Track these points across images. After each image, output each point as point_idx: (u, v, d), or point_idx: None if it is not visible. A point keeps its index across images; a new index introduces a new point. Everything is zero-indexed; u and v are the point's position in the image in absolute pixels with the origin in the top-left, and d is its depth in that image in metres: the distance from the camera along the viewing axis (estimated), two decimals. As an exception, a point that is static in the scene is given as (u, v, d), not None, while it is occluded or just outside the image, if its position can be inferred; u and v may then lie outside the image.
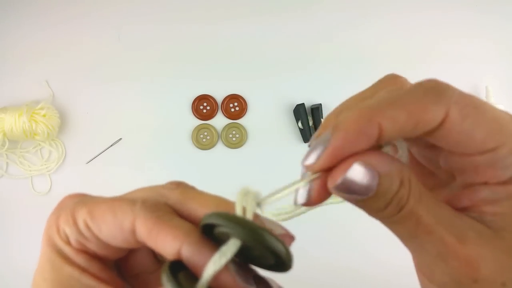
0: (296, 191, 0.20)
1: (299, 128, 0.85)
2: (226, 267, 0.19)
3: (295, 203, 0.19)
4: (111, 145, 0.85)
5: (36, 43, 0.86)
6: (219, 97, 0.86)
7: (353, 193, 0.18)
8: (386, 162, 0.18)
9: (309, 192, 0.19)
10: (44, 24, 0.86)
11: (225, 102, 0.86)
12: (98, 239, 0.22)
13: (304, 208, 0.22)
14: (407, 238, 0.20)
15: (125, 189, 0.24)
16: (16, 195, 0.84)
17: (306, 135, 0.84)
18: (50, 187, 0.84)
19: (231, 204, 0.21)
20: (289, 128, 0.87)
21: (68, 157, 0.85)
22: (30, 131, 0.78)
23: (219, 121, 0.86)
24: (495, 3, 0.91)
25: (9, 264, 0.82)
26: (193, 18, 0.88)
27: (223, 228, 0.19)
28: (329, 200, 0.22)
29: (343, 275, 0.84)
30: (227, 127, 0.86)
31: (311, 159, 0.18)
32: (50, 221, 0.23)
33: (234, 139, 0.86)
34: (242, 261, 0.21)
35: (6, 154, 0.84)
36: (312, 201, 0.19)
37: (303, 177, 0.20)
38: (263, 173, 0.86)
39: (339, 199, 0.20)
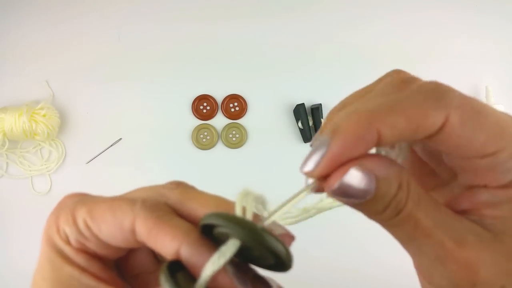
0: (307, 157, 0.19)
1: (299, 128, 0.85)
2: (224, 268, 0.19)
3: (301, 169, 0.19)
4: (111, 145, 0.85)
5: (36, 43, 0.86)
6: (219, 97, 0.86)
7: (350, 197, 0.18)
8: (384, 166, 0.18)
9: (319, 162, 0.18)
10: (44, 24, 0.86)
11: (225, 102, 0.86)
12: (97, 238, 0.22)
13: (312, 211, 0.22)
14: (405, 241, 0.20)
15: (125, 189, 0.24)
16: (16, 195, 0.84)
17: (306, 135, 0.84)
18: (50, 187, 0.84)
19: (231, 204, 0.21)
20: (289, 128, 0.87)
21: (68, 157, 0.85)
22: (30, 131, 0.78)
23: (219, 121, 0.86)
24: (495, 3, 0.91)
25: (9, 264, 0.82)
26: (193, 18, 0.88)
27: (222, 229, 0.19)
28: (332, 203, 0.22)
29: (343, 275, 0.84)
30: (227, 127, 0.86)
31: (309, 166, 0.18)
32: (50, 221, 0.23)
33: (234, 139, 0.86)
34: (242, 261, 0.21)
35: (6, 154, 0.84)
36: (319, 171, 0.18)
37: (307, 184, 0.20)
38: (263, 173, 0.86)
39: (338, 202, 0.20)
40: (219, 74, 0.87)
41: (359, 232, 0.84)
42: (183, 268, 0.19)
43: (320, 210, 0.22)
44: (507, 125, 0.18)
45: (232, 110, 0.86)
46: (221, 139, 0.86)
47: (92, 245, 0.22)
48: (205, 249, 0.19)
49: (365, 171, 0.18)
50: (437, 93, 0.18)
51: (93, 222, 0.21)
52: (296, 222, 0.22)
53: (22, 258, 0.81)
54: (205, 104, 0.86)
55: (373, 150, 0.19)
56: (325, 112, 0.86)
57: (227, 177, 0.85)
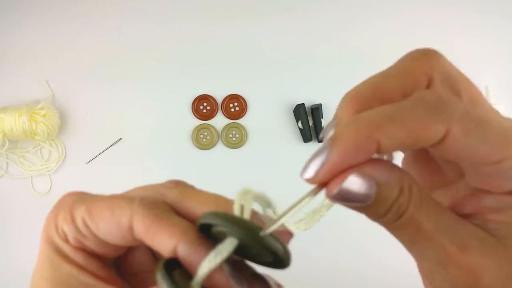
0: (307, 163, 0.19)
1: (299, 128, 0.85)
2: (220, 267, 0.19)
3: (301, 176, 0.19)
4: (111, 145, 0.85)
5: (36, 43, 0.86)
6: (219, 97, 0.86)
7: (351, 202, 0.18)
8: (385, 171, 0.18)
9: (319, 169, 0.18)
10: (44, 24, 0.86)
11: (225, 102, 0.86)
12: (96, 236, 0.22)
13: (323, 210, 0.22)
14: (408, 244, 0.20)
15: (125, 189, 0.24)
16: (16, 195, 0.84)
17: (306, 135, 0.84)
18: (50, 187, 0.84)
19: (229, 203, 0.21)
20: (289, 128, 0.87)
21: (68, 157, 0.85)
22: (30, 131, 0.78)
23: (219, 121, 0.86)
24: (495, 3, 0.91)
25: (9, 264, 0.82)
26: (193, 18, 0.88)
27: (220, 228, 0.19)
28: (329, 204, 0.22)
29: (343, 275, 0.84)
30: (227, 127, 0.86)
31: (309, 173, 0.18)
32: (48, 219, 0.23)
33: (234, 139, 0.86)
34: (240, 258, 0.21)
35: (6, 154, 0.84)
36: (318, 179, 0.18)
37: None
38: (263, 173, 0.86)
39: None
40: (219, 74, 0.87)
41: (359, 232, 0.84)
42: (180, 266, 0.19)
43: (328, 206, 0.22)
44: None
45: (232, 110, 0.86)
46: (221, 139, 0.86)
47: (90, 243, 0.22)
48: (202, 247, 0.19)
49: (365, 177, 0.18)
50: (439, 104, 0.18)
51: (91, 220, 0.21)
52: (310, 226, 0.22)
53: (22, 258, 0.81)
54: (205, 104, 0.86)
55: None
56: (325, 112, 0.86)
57: (227, 177, 0.85)
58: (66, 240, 0.22)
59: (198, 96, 0.86)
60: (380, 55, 0.88)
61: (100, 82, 0.86)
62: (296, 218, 0.21)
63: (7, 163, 0.84)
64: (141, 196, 0.22)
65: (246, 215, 0.19)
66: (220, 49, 0.88)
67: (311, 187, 0.19)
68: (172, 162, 0.86)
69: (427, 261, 0.19)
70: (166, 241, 0.20)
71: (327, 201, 0.20)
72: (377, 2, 0.90)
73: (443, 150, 0.18)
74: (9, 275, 0.82)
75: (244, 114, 0.86)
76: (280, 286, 0.21)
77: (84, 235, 0.22)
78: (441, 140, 0.18)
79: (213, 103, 0.86)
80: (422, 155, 0.24)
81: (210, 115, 0.86)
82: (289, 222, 0.21)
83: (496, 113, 0.19)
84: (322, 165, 0.18)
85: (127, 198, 0.21)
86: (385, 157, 0.20)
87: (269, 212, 0.21)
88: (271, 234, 0.18)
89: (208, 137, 0.86)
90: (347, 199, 0.18)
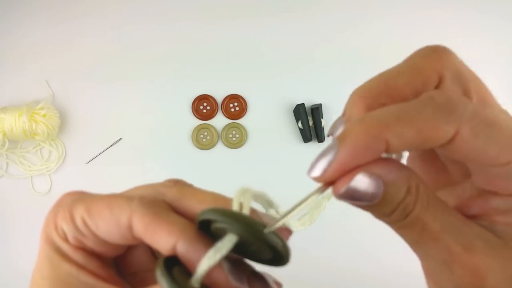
0: (315, 161, 0.19)
1: (299, 128, 0.85)
2: (219, 264, 0.19)
3: (308, 174, 0.19)
4: (111, 145, 0.85)
5: (36, 43, 0.86)
6: (219, 97, 0.86)
7: (358, 200, 0.18)
8: (393, 170, 0.18)
9: (326, 168, 0.18)
10: (44, 24, 0.86)
11: (225, 102, 0.86)
12: (95, 235, 0.22)
13: (323, 202, 0.22)
14: (413, 243, 0.20)
15: (125, 189, 0.24)
16: (16, 195, 0.84)
17: (306, 135, 0.84)
18: (50, 187, 0.84)
19: (228, 201, 0.21)
20: (289, 128, 0.87)
21: (68, 157, 0.85)
22: (30, 131, 0.78)
23: (219, 121, 0.86)
24: (495, 3, 0.91)
25: (9, 264, 0.82)
26: (193, 18, 0.88)
27: (219, 224, 0.19)
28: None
29: (343, 275, 0.84)
30: (227, 127, 0.86)
31: (316, 172, 0.18)
32: (48, 219, 0.23)
33: (234, 139, 0.86)
34: (239, 256, 0.21)
35: (6, 154, 0.84)
36: (326, 177, 0.18)
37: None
38: (263, 173, 0.86)
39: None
40: (219, 74, 0.87)
41: (359, 232, 0.84)
42: (180, 264, 0.19)
43: (329, 197, 0.21)
44: None
45: (232, 110, 0.86)
46: (221, 139, 0.86)
47: (90, 242, 0.22)
48: (201, 244, 0.19)
49: (373, 176, 0.18)
50: (448, 105, 0.18)
51: (90, 219, 0.21)
52: (315, 220, 0.22)
53: (22, 258, 0.81)
54: (205, 104, 0.86)
55: None
56: (325, 112, 0.86)
57: (227, 177, 0.85)
58: (65, 240, 0.22)
59: (198, 96, 0.86)
60: (380, 55, 0.88)
61: (100, 82, 0.86)
62: (300, 214, 0.21)
63: (7, 163, 0.84)
64: (140, 195, 0.22)
65: (246, 211, 0.19)
66: (220, 49, 0.88)
67: (317, 185, 0.19)
68: (172, 162, 0.86)
69: (432, 260, 0.19)
70: (165, 239, 0.20)
71: (327, 192, 0.20)
72: (377, 2, 0.90)
73: (452, 150, 0.18)
74: (9, 275, 0.82)
75: (244, 114, 0.86)
76: (279, 284, 0.21)
77: (84, 234, 0.22)
78: (450, 141, 0.18)
79: (213, 103, 0.86)
80: (427, 155, 0.24)
81: (210, 115, 0.86)
82: (293, 219, 0.21)
83: (506, 114, 0.19)
84: (330, 164, 0.18)
85: (126, 197, 0.21)
86: (393, 156, 0.20)
87: (272, 212, 0.21)
88: (271, 230, 0.18)
89: (208, 137, 0.86)
90: (354, 198, 0.18)
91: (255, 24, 0.88)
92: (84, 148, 0.85)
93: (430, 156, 0.24)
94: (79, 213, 0.21)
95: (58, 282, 0.21)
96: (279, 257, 0.19)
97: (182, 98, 0.86)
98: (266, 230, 0.18)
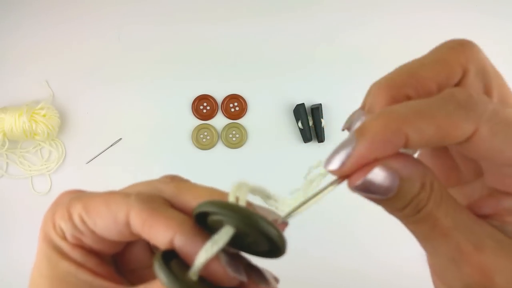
0: (332, 154, 0.19)
1: (299, 128, 0.85)
2: (217, 256, 0.19)
3: (325, 167, 0.19)
4: (111, 145, 0.85)
5: (36, 43, 0.86)
6: (219, 97, 0.86)
7: (372, 193, 0.18)
8: (409, 166, 0.18)
9: (345, 161, 0.18)
10: (44, 24, 0.86)
11: (225, 102, 0.86)
12: (93, 233, 0.22)
13: (318, 179, 0.22)
14: (423, 239, 0.20)
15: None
16: (16, 195, 0.84)
17: (306, 135, 0.84)
18: (50, 187, 0.84)
19: (225, 195, 0.21)
20: (289, 128, 0.87)
21: (68, 157, 0.85)
22: (30, 131, 0.78)
23: (219, 121, 0.86)
24: (495, 3, 0.91)
25: (9, 264, 0.82)
26: (193, 18, 0.88)
27: (216, 216, 0.19)
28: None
29: (343, 275, 0.84)
30: (227, 127, 0.86)
31: (334, 165, 0.18)
32: (46, 217, 0.23)
33: (234, 139, 0.86)
34: (235, 249, 0.21)
35: (6, 154, 0.84)
36: (344, 170, 0.18)
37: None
38: (263, 173, 0.86)
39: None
40: (219, 74, 0.87)
41: (359, 232, 0.84)
42: (177, 257, 0.20)
43: (324, 174, 0.21)
44: None
45: (232, 110, 0.86)
46: (221, 139, 0.86)
47: (88, 240, 0.22)
48: (198, 237, 0.20)
49: (390, 170, 0.18)
50: (469, 103, 0.18)
51: (88, 216, 0.21)
52: (310, 199, 0.21)
53: (22, 258, 0.81)
54: (205, 104, 0.86)
55: None
56: (325, 112, 0.86)
57: (227, 177, 0.85)
58: (63, 238, 0.22)
59: (198, 96, 0.86)
60: (380, 55, 0.88)
61: (100, 82, 0.86)
62: (292, 188, 0.21)
63: (7, 163, 0.84)
64: (137, 191, 0.22)
65: (242, 204, 0.20)
66: (220, 49, 0.88)
67: (332, 177, 0.19)
68: (172, 162, 0.86)
69: (440, 257, 0.19)
70: (162, 233, 0.20)
71: (322, 170, 0.20)
72: (377, 2, 0.90)
73: (469, 148, 0.18)
74: (9, 275, 0.82)
75: (244, 114, 0.86)
76: (276, 279, 0.21)
77: (82, 231, 0.22)
78: (468, 139, 0.18)
79: (213, 103, 0.86)
80: (440, 152, 0.24)
81: (210, 115, 0.86)
82: (283, 197, 0.21)
83: None
84: (348, 157, 0.18)
85: (123, 194, 0.21)
86: (410, 151, 0.20)
87: (271, 203, 0.21)
88: (267, 220, 0.18)
89: (208, 137, 0.86)
90: (369, 191, 0.18)
91: (255, 24, 0.88)
92: (84, 148, 0.85)
93: (442, 153, 0.24)
94: (77, 211, 0.21)
95: (57, 280, 0.21)
96: (276, 248, 0.19)
97: (182, 98, 0.86)
98: (280, 220, 0.18)
